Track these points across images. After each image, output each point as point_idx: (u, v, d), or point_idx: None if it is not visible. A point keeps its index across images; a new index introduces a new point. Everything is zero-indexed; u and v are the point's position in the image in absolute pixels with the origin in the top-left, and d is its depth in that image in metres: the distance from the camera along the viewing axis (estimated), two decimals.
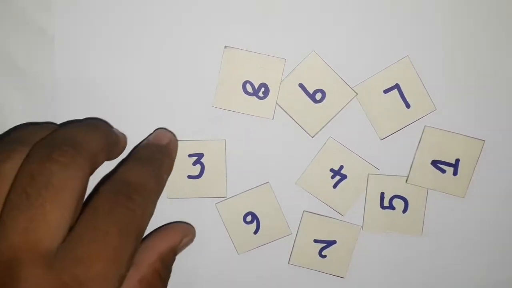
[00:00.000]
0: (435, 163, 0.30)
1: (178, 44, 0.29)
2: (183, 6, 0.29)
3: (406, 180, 0.30)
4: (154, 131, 0.30)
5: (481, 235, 0.31)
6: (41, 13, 0.29)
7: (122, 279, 0.23)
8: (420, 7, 0.29)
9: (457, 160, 0.30)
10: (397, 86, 0.29)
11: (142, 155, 0.28)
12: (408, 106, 0.29)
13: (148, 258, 0.27)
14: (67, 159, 0.23)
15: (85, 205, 0.24)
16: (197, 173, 0.30)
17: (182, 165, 0.30)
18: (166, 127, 0.30)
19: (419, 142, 0.30)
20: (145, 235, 0.26)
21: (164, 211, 0.30)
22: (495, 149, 0.30)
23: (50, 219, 0.21)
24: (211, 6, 0.29)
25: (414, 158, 0.30)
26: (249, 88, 0.30)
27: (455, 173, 0.30)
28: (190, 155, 0.30)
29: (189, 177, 0.30)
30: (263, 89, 0.29)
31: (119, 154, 0.29)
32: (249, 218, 0.31)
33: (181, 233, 0.29)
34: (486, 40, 0.29)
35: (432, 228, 0.31)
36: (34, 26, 0.29)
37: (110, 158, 0.28)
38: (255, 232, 0.31)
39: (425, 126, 0.30)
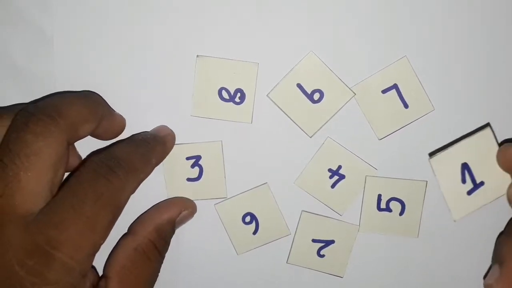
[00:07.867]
0: None
1: (172, 45, 0.29)
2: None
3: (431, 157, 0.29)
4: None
5: (476, 237, 0.31)
6: (40, 13, 0.29)
7: (96, 247, 0.24)
8: (418, 7, 0.29)
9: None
10: (395, 86, 0.29)
11: (136, 138, 0.29)
12: (406, 106, 0.29)
13: (144, 228, 0.28)
14: (40, 128, 0.23)
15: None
16: (196, 175, 0.30)
17: (180, 168, 0.30)
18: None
19: None
20: None
21: None
22: None
23: (24, 185, 0.23)
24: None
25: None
26: (225, 94, 0.30)
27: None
28: (188, 158, 0.30)
29: (189, 179, 0.30)
30: (239, 94, 0.30)
31: (115, 133, 0.29)
32: (248, 219, 0.31)
33: (179, 206, 0.30)
34: (484, 39, 0.29)
35: (428, 230, 0.31)
36: (33, 26, 0.29)
37: (102, 133, 0.28)
38: (254, 233, 0.31)
39: None
